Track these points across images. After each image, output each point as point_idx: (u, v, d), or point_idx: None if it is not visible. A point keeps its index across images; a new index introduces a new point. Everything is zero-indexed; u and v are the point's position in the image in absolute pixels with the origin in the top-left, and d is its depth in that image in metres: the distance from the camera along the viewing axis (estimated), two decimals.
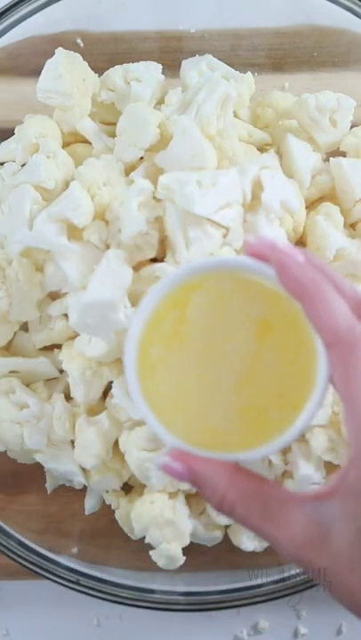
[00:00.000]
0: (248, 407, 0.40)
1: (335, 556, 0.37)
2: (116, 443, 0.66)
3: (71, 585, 0.66)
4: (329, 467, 0.66)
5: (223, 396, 0.40)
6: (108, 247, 0.62)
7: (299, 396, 0.39)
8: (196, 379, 0.40)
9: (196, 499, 0.68)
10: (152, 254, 0.62)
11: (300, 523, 0.38)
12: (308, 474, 0.64)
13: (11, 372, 0.68)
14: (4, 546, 0.66)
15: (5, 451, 0.68)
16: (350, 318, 0.38)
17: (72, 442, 0.67)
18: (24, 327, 0.70)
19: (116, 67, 0.72)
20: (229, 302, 0.41)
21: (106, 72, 0.72)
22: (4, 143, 0.72)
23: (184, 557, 0.65)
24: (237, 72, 0.73)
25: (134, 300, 0.60)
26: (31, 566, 0.66)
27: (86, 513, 0.70)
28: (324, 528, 0.38)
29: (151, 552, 0.65)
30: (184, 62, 0.73)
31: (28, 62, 0.71)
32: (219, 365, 0.40)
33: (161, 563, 0.65)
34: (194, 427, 0.40)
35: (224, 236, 0.60)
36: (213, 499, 0.39)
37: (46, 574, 0.66)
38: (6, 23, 0.69)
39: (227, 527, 0.69)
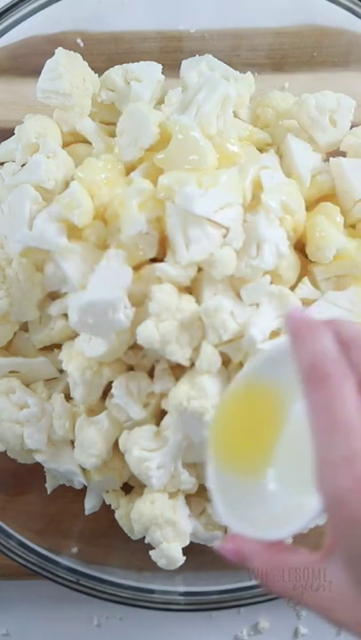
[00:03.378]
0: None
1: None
2: (116, 443, 0.66)
3: (71, 585, 0.66)
4: None
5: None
6: (107, 247, 0.62)
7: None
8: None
9: (196, 499, 0.68)
10: (152, 254, 0.62)
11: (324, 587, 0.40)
12: None
13: (11, 372, 0.68)
14: (4, 546, 0.66)
15: (5, 451, 0.68)
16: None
17: (72, 442, 0.67)
18: (24, 327, 0.70)
19: (116, 67, 0.72)
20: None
21: (106, 72, 0.72)
22: (3, 143, 0.72)
23: (184, 557, 0.65)
24: (237, 72, 0.73)
25: (134, 299, 0.60)
26: (31, 566, 0.66)
27: (86, 513, 0.70)
28: (339, 587, 0.39)
29: (151, 552, 0.65)
30: (184, 62, 0.73)
31: (28, 62, 0.71)
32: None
33: (161, 563, 0.65)
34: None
35: (224, 236, 0.60)
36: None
37: (46, 574, 0.66)
38: (6, 23, 0.69)
39: (227, 527, 0.69)
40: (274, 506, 0.44)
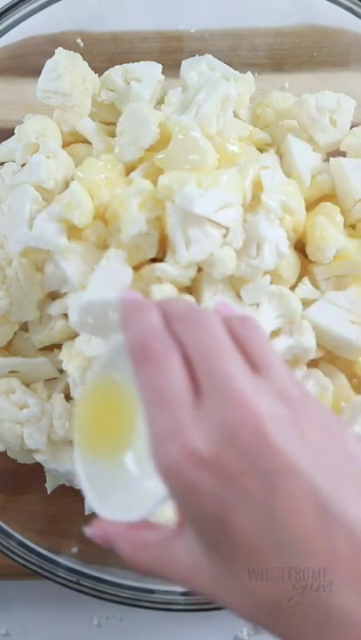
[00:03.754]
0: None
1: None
2: None
3: (71, 585, 0.66)
4: None
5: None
6: (107, 247, 0.62)
7: None
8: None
9: None
10: (152, 254, 0.62)
11: (181, 558, 0.40)
12: None
13: (11, 372, 0.68)
14: (3, 546, 0.66)
15: (5, 451, 0.68)
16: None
17: (72, 442, 0.67)
18: (24, 327, 0.70)
19: (116, 67, 0.72)
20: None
21: (106, 72, 0.72)
22: (3, 143, 0.72)
23: None
24: (237, 72, 0.73)
25: None
26: (31, 566, 0.66)
27: (86, 513, 0.70)
28: (194, 557, 0.40)
29: None
30: (184, 62, 0.73)
31: (28, 62, 0.71)
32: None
33: None
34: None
35: (224, 236, 0.60)
36: (120, 555, 0.44)
37: (46, 574, 0.66)
38: (6, 23, 0.69)
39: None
40: (136, 488, 0.45)
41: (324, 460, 0.37)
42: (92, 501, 0.46)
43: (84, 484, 0.47)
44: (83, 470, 0.47)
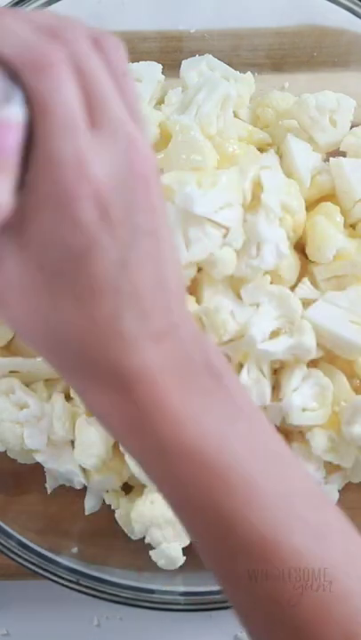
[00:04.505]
0: None
1: None
2: (117, 443, 0.66)
3: (71, 585, 0.66)
4: (329, 467, 0.66)
5: None
6: None
7: None
8: None
9: None
10: None
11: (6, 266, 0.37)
12: None
13: (11, 371, 0.68)
14: (4, 546, 0.66)
15: (5, 451, 0.68)
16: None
17: (72, 442, 0.67)
18: None
19: None
20: None
21: None
22: None
23: (184, 557, 0.65)
24: (237, 72, 0.73)
25: None
26: (31, 566, 0.66)
27: (86, 513, 0.70)
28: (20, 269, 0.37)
29: (151, 552, 0.65)
30: (184, 62, 0.73)
31: None
32: None
33: (161, 563, 0.65)
34: None
35: (224, 236, 0.60)
36: None
37: (46, 574, 0.66)
38: None
39: None
40: None
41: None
42: None
43: None
44: None
